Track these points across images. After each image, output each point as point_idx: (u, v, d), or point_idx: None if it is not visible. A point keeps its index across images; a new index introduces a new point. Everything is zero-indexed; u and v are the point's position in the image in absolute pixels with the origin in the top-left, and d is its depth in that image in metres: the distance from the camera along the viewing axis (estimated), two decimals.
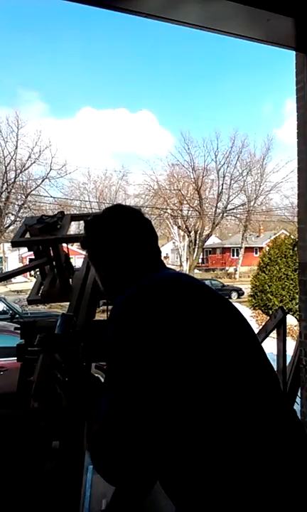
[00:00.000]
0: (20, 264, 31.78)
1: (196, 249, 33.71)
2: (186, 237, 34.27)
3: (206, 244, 36.46)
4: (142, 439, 0.89)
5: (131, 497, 1.06)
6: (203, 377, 0.91)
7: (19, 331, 2.13)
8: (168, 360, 0.90)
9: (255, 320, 14.78)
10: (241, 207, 35.07)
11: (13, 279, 29.20)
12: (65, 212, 2.93)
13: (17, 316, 11.74)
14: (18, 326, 2.17)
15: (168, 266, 1.24)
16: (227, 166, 34.42)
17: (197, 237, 33.59)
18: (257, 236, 40.18)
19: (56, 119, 53.36)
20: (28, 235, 2.63)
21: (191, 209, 34.09)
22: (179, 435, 0.88)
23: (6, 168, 29.40)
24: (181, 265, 33.31)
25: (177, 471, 0.89)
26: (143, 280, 1.06)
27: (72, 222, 2.90)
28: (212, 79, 55.19)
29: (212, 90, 54.35)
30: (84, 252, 1.28)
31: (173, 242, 36.47)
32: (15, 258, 35.88)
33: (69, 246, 2.75)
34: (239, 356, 0.97)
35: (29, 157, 30.22)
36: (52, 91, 53.14)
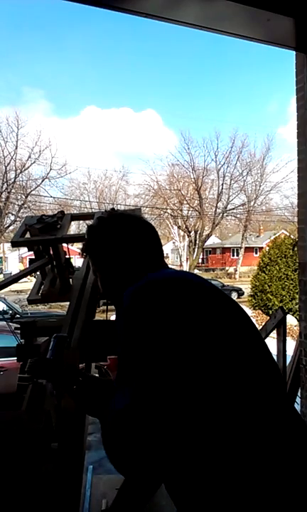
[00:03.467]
0: (20, 264, 31.78)
1: (196, 249, 33.70)
2: (186, 237, 34.27)
3: (206, 244, 36.45)
4: (161, 432, 0.88)
5: (136, 496, 1.05)
6: (212, 374, 0.91)
7: (19, 331, 2.13)
8: (180, 351, 0.91)
9: (255, 320, 14.78)
10: (241, 207, 35.06)
11: None
12: (65, 212, 2.92)
13: (17, 315, 11.73)
14: (18, 325, 2.17)
15: (169, 266, 1.26)
16: (227, 166, 34.45)
17: (197, 237, 33.58)
18: (257, 236, 40.18)
19: (60, 118, 53.55)
20: (28, 235, 2.63)
21: (191, 209, 34.09)
22: (183, 431, 0.88)
23: (6, 168, 29.40)
24: (181, 265, 33.30)
25: (179, 468, 0.89)
26: (150, 275, 1.08)
27: (72, 222, 2.90)
28: (217, 77, 55.13)
29: (216, 89, 54.53)
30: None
31: (173, 242, 36.46)
32: (15, 258, 35.89)
33: (70, 246, 2.75)
34: (246, 354, 0.98)
35: (29, 157, 30.24)
36: (56, 90, 53.18)
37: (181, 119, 53.69)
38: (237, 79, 55.87)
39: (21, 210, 29.77)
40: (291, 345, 3.93)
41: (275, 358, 3.79)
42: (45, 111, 49.70)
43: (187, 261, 33.55)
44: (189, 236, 33.93)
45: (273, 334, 4.05)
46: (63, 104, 56.60)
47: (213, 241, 41.93)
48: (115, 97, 54.95)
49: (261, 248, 32.16)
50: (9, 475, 1.03)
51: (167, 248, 40.24)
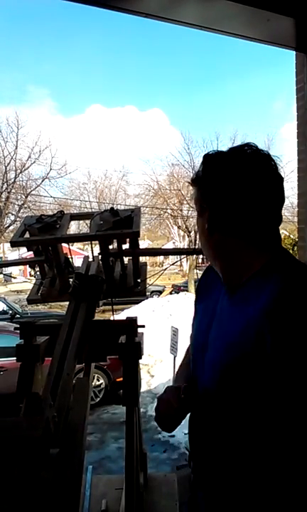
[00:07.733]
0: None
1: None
2: (186, 237, 34.24)
3: None
4: None
5: None
6: None
7: (19, 331, 2.13)
8: None
9: None
10: None
11: (13, 279, 29.12)
12: (65, 212, 2.92)
13: (17, 315, 11.75)
14: (18, 326, 2.17)
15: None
16: None
17: (197, 237, 33.51)
18: None
19: (65, 117, 53.69)
20: (27, 235, 2.63)
21: (191, 209, 34.04)
22: None
23: (6, 168, 29.40)
24: (181, 265, 33.30)
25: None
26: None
27: (72, 222, 2.90)
28: (220, 76, 55.16)
29: (219, 89, 54.44)
30: (84, 252, 1.23)
31: (173, 242, 36.46)
32: (16, 258, 35.91)
33: (70, 246, 2.75)
34: None
35: (29, 157, 30.25)
36: (62, 88, 53.15)
37: (188, 119, 53.51)
38: (240, 78, 55.97)
39: (21, 210, 29.76)
40: None
41: None
42: (50, 109, 49.87)
43: (187, 261, 33.51)
44: (189, 236, 33.89)
45: None
46: (68, 102, 56.80)
47: None
48: (120, 96, 54.87)
49: None
50: (8, 477, 1.03)
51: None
